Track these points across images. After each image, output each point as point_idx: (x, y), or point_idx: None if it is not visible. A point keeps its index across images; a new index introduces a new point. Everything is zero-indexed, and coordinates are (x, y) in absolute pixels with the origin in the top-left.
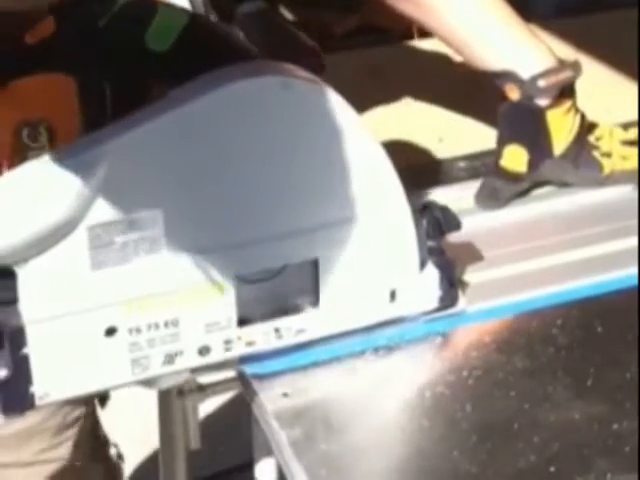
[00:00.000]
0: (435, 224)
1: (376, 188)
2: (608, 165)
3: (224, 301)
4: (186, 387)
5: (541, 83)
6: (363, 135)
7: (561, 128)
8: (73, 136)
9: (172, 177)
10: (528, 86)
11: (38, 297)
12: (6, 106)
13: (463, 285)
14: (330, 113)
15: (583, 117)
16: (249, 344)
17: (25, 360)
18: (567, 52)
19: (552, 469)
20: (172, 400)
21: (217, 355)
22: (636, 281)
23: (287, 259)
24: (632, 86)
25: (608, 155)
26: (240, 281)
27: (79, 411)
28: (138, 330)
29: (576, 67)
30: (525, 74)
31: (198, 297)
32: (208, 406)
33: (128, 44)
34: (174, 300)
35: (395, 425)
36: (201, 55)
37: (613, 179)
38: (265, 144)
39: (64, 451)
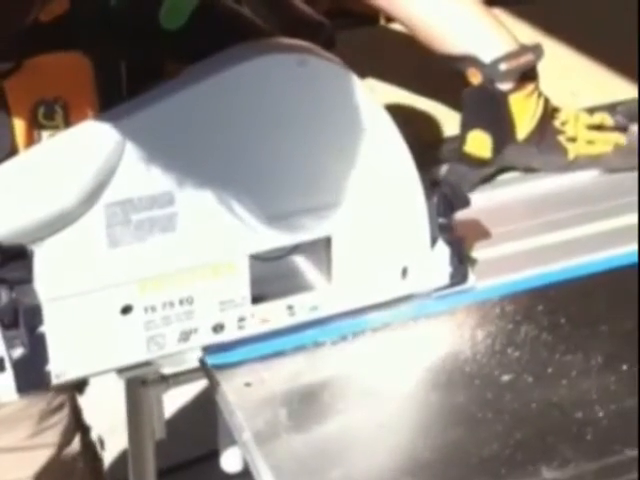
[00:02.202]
0: (445, 201)
1: (389, 166)
2: (573, 150)
3: (238, 279)
4: (149, 377)
5: (502, 67)
6: (377, 112)
7: (524, 112)
8: (89, 114)
9: (187, 155)
10: (489, 70)
11: (55, 275)
12: (22, 84)
13: (471, 262)
14: (345, 90)
15: (547, 101)
16: (263, 321)
17: (41, 339)
18: (534, 36)
19: (517, 456)
20: (138, 390)
21: (231, 333)
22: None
23: (300, 237)
24: (598, 70)
25: (573, 140)
26: (254, 259)
27: (62, 397)
28: (153, 308)
29: (537, 50)
30: (486, 58)
31: (212, 275)
32: (182, 395)
33: (142, 23)
34: (189, 278)
35: (359, 415)
36: (215, 33)
37: (578, 164)
38: (280, 122)
39: (49, 438)
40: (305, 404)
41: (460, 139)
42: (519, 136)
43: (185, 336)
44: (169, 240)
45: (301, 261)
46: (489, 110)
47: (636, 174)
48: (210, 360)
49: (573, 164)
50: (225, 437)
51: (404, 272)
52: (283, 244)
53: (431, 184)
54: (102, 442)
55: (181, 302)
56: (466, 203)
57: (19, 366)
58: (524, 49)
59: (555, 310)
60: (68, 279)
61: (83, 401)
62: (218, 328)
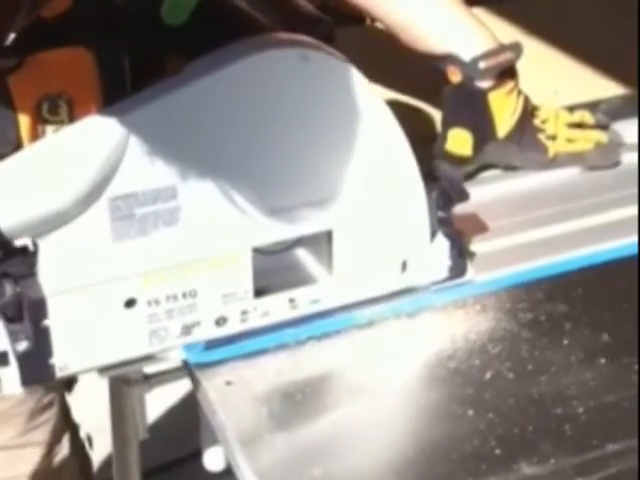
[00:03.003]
0: (444, 195)
1: (390, 160)
2: (553, 147)
3: (240, 272)
4: (132, 377)
5: (482, 65)
6: (378, 107)
7: (504, 110)
8: (92, 110)
9: (190, 149)
10: (469, 68)
11: (59, 269)
12: (26, 80)
13: (470, 255)
14: (346, 85)
15: (526, 99)
16: (265, 314)
17: (46, 332)
18: (514, 35)
19: (497, 452)
20: (121, 389)
21: (233, 326)
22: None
23: (302, 230)
24: (579, 69)
25: (553, 138)
26: (256, 252)
27: (51, 395)
28: (157, 301)
29: (517, 49)
30: (466, 56)
31: (215, 268)
32: (166, 395)
33: (144, 19)
34: (192, 271)
35: (342, 413)
36: (217, 28)
37: (558, 162)
38: (282, 116)
39: (39, 436)
40: (287, 402)
41: (441, 137)
42: (499, 134)
43: (187, 329)
44: (172, 234)
45: (303, 254)
46: (469, 108)
47: (616, 171)
48: (192, 359)
49: (553, 162)
50: (207, 436)
51: (404, 265)
52: (285, 237)
53: (431, 178)
54: (90, 441)
55: (184, 295)
56: (465, 197)
57: (24, 359)
58: (503, 47)
59: (536, 306)
60: (72, 273)
61: (71, 399)
62: (221, 321)
